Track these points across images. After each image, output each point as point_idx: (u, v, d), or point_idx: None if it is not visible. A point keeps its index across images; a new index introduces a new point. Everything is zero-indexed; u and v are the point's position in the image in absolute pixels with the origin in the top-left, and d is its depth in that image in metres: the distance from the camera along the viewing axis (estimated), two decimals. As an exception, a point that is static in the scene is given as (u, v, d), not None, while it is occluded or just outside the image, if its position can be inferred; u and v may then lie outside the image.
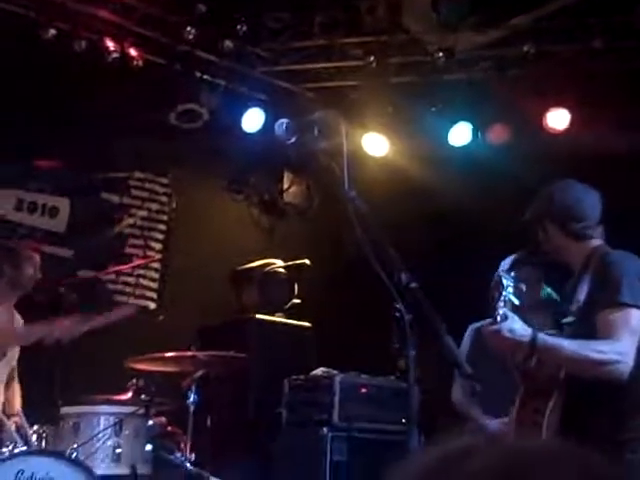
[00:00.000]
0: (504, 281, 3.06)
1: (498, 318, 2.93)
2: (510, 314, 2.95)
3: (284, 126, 3.03)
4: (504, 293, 3.02)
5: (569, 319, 3.17)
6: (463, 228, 6.64)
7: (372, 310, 4.11)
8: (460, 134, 6.60)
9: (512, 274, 3.41)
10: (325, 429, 5.18)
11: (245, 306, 6.48)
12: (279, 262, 6.69)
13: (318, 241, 6.89)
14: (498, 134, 6.51)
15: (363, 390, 5.14)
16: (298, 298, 6.57)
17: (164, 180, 6.78)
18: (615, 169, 5.81)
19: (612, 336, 2.96)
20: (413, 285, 2.62)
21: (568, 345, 2.97)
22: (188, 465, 4.62)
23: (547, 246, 3.37)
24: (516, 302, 3.06)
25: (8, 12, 5.79)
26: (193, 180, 6.86)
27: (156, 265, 6.57)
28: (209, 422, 5.21)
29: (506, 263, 3.68)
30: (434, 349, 2.75)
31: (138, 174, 6.65)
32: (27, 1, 5.81)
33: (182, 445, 4.74)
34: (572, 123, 6.23)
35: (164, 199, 6.76)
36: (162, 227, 6.71)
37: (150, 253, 6.56)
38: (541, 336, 2.94)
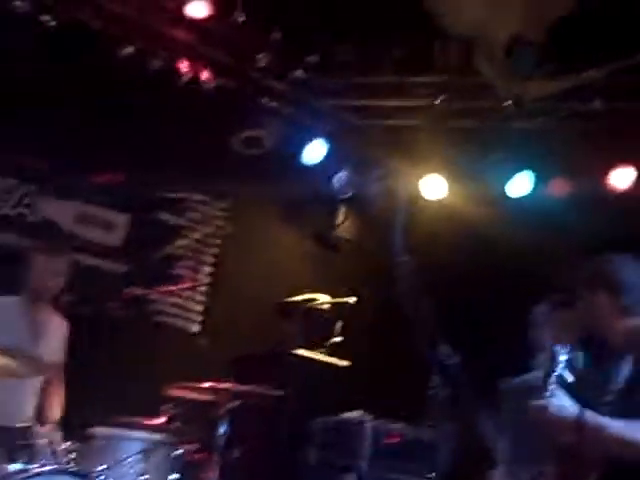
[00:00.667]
0: (559, 355, 3.01)
1: (547, 394, 2.88)
2: (558, 391, 2.90)
3: (342, 180, 3.01)
4: (557, 367, 2.97)
5: (609, 398, 3.09)
6: (520, 277, 6.52)
7: (414, 356, 4.07)
8: (521, 184, 6.51)
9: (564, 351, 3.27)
10: (350, 476, 5.15)
11: (286, 339, 6.48)
12: (325, 297, 6.67)
13: (368, 280, 6.85)
14: (560, 187, 6.41)
15: (394, 439, 5.08)
16: (341, 336, 6.55)
17: (221, 204, 6.86)
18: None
19: None
20: (452, 361, 2.57)
21: (615, 425, 2.89)
22: (212, 498, 4.64)
23: (587, 314, 3.29)
24: (569, 379, 3.00)
25: (87, 27, 5.91)
26: (249, 207, 6.90)
27: (204, 289, 6.63)
28: (238, 454, 5.23)
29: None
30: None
31: (196, 196, 6.73)
32: (106, 17, 5.92)
33: (209, 475, 4.76)
34: (637, 183, 6.10)
35: (219, 223, 6.82)
36: (214, 251, 6.77)
37: (199, 276, 6.63)
38: (589, 414, 2.88)
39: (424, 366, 2.95)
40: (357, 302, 6.65)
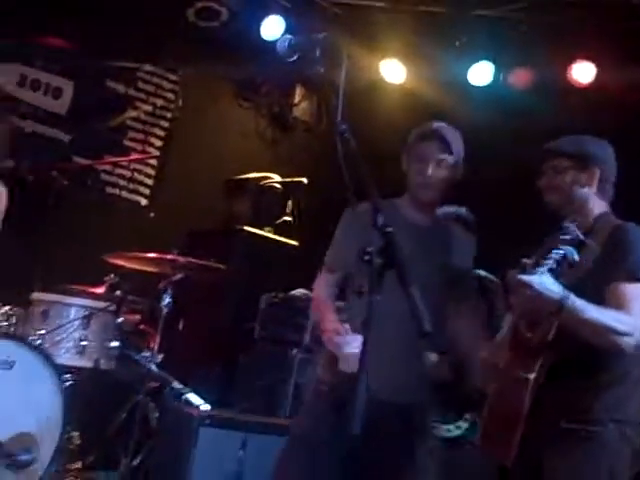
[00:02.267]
0: (570, 234, 2.86)
1: (541, 269, 2.77)
2: (543, 270, 2.78)
3: (286, 42, 2.86)
4: (565, 246, 2.86)
5: (572, 280, 2.99)
6: (476, 161, 6.46)
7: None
8: (482, 72, 6.41)
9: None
10: (294, 350, 5.18)
11: (235, 216, 6.40)
12: (276, 177, 6.59)
13: (320, 162, 6.74)
14: (521, 78, 6.33)
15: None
16: (290, 216, 6.49)
17: (173, 77, 6.63)
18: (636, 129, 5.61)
19: (625, 309, 2.87)
20: (389, 229, 2.48)
21: (591, 309, 2.83)
22: (152, 366, 4.62)
23: (556, 191, 3.15)
24: (576, 258, 2.87)
25: None
26: (203, 81, 6.68)
27: (153, 162, 6.47)
28: (181, 326, 5.20)
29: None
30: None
31: (148, 67, 6.50)
32: None
33: (151, 345, 4.74)
34: (597, 78, 6.04)
35: (170, 96, 6.61)
36: (165, 124, 6.58)
37: (149, 149, 6.46)
38: (571, 296, 2.80)
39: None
40: (309, 183, 6.59)
